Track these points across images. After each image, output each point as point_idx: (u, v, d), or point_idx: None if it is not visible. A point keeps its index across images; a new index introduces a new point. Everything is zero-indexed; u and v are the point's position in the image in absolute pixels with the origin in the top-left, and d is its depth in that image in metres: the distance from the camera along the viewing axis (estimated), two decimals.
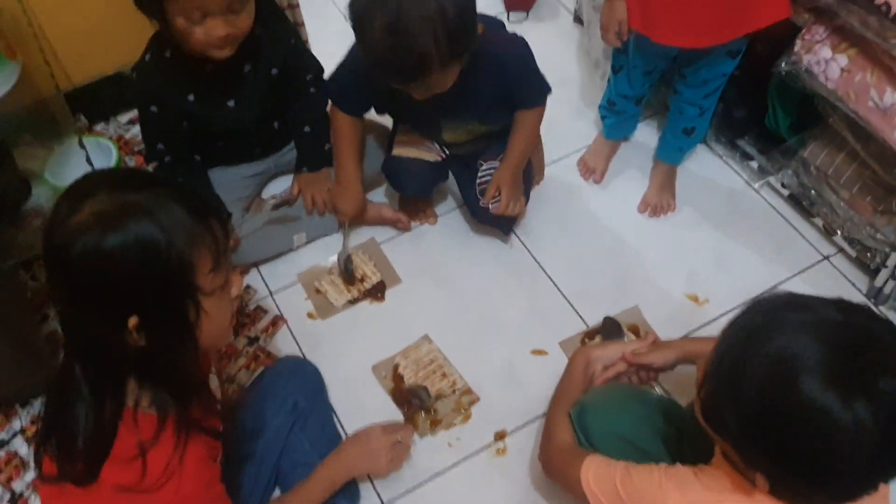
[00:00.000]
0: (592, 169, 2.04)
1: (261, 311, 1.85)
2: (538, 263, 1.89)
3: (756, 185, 1.98)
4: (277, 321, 1.83)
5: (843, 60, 1.57)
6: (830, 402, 0.84)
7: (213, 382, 1.33)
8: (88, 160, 1.76)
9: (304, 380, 1.60)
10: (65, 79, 2.06)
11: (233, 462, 1.41)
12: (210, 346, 1.14)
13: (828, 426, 0.85)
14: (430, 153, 1.87)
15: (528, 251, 1.92)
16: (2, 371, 1.49)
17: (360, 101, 1.79)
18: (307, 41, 2.07)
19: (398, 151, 1.87)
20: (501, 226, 1.90)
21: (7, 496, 1.60)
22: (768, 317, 0.93)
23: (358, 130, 1.84)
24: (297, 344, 1.79)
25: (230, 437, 1.45)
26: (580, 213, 1.99)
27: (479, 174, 1.83)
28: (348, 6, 1.45)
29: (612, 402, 1.39)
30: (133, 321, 0.98)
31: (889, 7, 1.41)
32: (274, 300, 1.88)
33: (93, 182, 1.00)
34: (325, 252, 1.94)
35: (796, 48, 1.64)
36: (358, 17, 1.44)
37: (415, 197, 1.98)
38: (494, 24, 1.73)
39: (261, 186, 2.01)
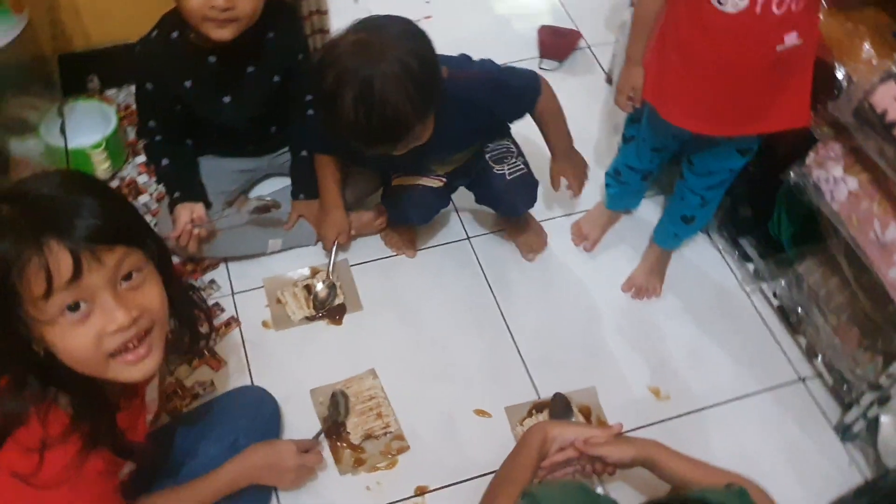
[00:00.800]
0: (586, 236, 1.98)
1: (218, 308, 1.82)
2: (504, 320, 1.83)
3: (748, 289, 1.90)
4: (231, 322, 1.80)
5: (852, 183, 1.50)
6: None
7: (151, 394, 1.29)
8: (62, 131, 1.75)
9: (256, 419, 1.52)
10: (83, 38, 2.06)
11: (153, 470, 1.37)
12: (82, 371, 1.03)
13: None
14: (430, 180, 1.83)
15: (498, 306, 1.86)
16: None
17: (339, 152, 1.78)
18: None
19: (398, 181, 1.83)
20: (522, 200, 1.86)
21: None
22: None
23: (335, 168, 1.82)
24: (245, 350, 1.75)
25: (160, 444, 1.42)
26: (562, 279, 1.92)
27: (507, 168, 1.81)
28: (312, 96, 1.45)
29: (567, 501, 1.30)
30: None
31: None
32: (234, 300, 1.84)
33: None
34: (296, 262, 1.90)
35: (808, 160, 1.56)
36: (326, 100, 1.42)
37: (414, 225, 1.93)
38: (456, 63, 1.65)
39: (250, 184, 1.99)
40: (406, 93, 1.37)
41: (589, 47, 2.48)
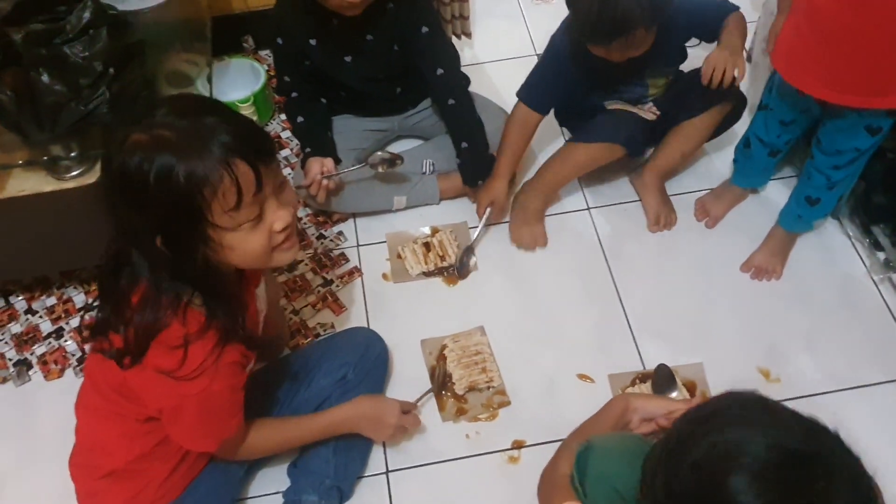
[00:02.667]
0: (708, 212, 1.96)
1: (343, 258, 1.94)
2: (616, 290, 1.85)
3: (876, 278, 1.82)
4: (354, 272, 1.91)
5: None
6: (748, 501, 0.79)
7: (260, 295, 1.41)
8: (209, 80, 1.90)
9: (365, 358, 1.63)
10: (243, 1, 2.22)
11: (265, 393, 1.51)
12: (247, 266, 1.24)
13: None
14: (644, 112, 1.90)
15: (612, 275, 1.88)
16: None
17: (554, 93, 1.87)
18: (469, 35, 2.10)
19: (612, 107, 1.90)
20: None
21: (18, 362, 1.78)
22: (733, 408, 0.88)
23: (532, 129, 1.90)
24: (364, 299, 1.86)
25: (274, 369, 1.56)
26: (680, 253, 1.92)
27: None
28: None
29: (618, 452, 1.34)
30: (159, 238, 1.09)
31: None
32: (358, 252, 1.95)
33: (165, 107, 1.10)
34: (419, 221, 1.99)
35: None
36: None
37: (629, 155, 1.94)
38: None
39: (381, 144, 2.08)
40: (638, 1, 1.54)
41: None
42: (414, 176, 1.98)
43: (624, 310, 1.82)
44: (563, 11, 1.72)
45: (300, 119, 1.91)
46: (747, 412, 0.88)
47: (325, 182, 1.84)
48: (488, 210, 1.91)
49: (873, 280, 1.83)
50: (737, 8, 1.76)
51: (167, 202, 1.05)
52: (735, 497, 0.80)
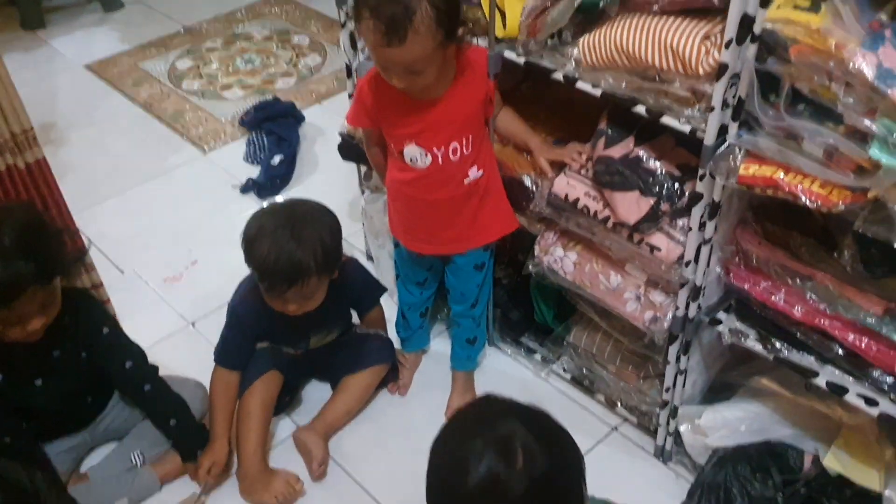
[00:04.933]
0: (402, 384, 2.21)
1: None
2: (358, 484, 1.99)
3: (543, 375, 2.20)
4: None
5: (573, 256, 1.86)
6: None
7: None
8: None
9: None
10: None
11: None
12: None
13: None
14: (293, 351, 2.08)
15: (347, 473, 2.02)
16: None
17: (244, 349, 2.01)
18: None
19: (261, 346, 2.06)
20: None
21: None
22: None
23: (236, 386, 2.01)
24: None
25: None
26: (395, 430, 2.12)
27: None
28: (242, 234, 1.80)
29: None
30: None
31: (588, 209, 1.73)
32: None
33: None
34: None
35: (536, 252, 1.92)
36: (247, 243, 1.79)
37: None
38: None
39: (78, 461, 2.03)
40: (313, 250, 1.74)
41: None
42: (127, 474, 1.96)
43: (371, 495, 1.96)
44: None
45: None
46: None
47: None
48: (210, 473, 1.95)
49: (542, 377, 2.20)
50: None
51: None
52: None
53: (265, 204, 1.94)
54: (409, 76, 1.58)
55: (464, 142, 1.74)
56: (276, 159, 2.94)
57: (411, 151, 1.74)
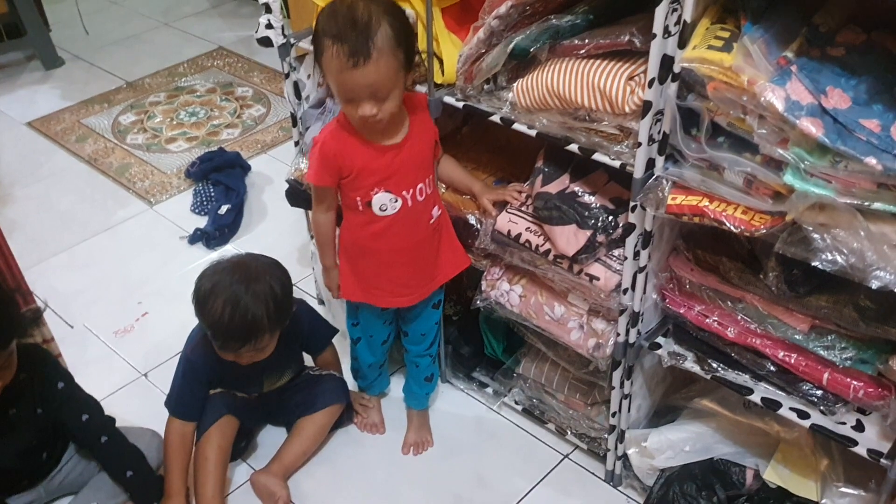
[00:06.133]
0: (373, 424, 2.24)
1: None
2: None
3: (495, 407, 2.25)
4: None
5: (518, 289, 1.93)
6: None
7: None
8: None
9: None
10: None
11: None
12: None
13: None
14: (247, 396, 2.09)
15: None
16: None
17: (199, 397, 2.02)
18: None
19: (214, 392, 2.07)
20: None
21: None
22: None
23: (192, 436, 2.02)
24: None
25: None
26: (350, 469, 2.14)
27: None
28: (193, 292, 1.83)
29: None
30: None
31: (530, 243, 1.80)
32: None
33: None
34: None
35: (483, 287, 1.99)
36: (200, 301, 1.82)
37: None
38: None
39: None
40: (266, 307, 1.79)
41: None
42: None
43: None
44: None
45: None
46: None
47: None
48: None
49: (494, 410, 2.25)
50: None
51: None
52: None
53: (215, 254, 1.96)
54: (377, 103, 1.61)
55: (427, 181, 1.81)
56: (224, 209, 2.97)
57: (381, 199, 1.77)
